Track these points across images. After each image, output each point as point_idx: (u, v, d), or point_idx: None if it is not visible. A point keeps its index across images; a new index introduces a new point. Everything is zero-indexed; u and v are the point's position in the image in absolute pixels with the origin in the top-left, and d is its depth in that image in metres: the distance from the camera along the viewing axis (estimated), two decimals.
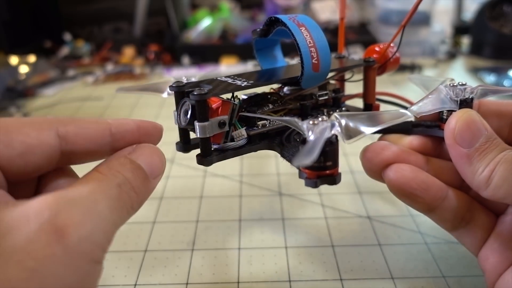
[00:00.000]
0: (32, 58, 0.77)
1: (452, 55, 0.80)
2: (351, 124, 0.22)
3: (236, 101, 0.26)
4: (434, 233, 0.34)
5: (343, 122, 0.21)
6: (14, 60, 0.75)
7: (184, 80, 0.27)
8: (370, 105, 0.31)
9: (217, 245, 0.34)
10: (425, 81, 0.30)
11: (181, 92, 0.25)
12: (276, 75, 0.29)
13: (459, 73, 0.74)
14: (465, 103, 0.26)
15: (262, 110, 0.27)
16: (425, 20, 0.79)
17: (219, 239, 0.35)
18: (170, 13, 0.88)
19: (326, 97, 0.29)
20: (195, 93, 0.23)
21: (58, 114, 0.60)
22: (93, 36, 0.89)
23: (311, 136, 0.21)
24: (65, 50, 0.84)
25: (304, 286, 0.30)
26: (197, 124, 0.24)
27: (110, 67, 0.78)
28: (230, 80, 0.26)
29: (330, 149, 0.21)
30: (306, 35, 0.25)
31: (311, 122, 0.21)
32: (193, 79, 0.28)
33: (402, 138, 0.28)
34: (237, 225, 0.36)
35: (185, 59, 0.81)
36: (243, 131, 0.26)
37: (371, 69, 0.30)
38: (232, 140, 0.26)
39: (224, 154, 0.26)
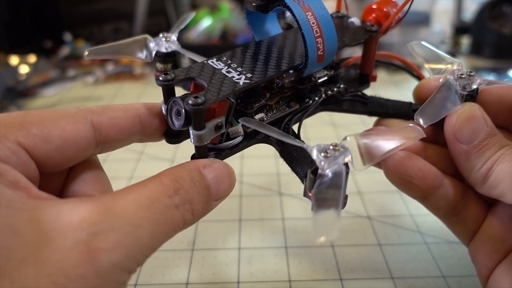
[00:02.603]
0: (32, 58, 0.77)
1: (452, 55, 0.80)
2: (363, 150, 0.20)
3: (233, 98, 0.24)
4: (434, 233, 0.34)
5: (355, 147, 0.20)
6: (14, 60, 0.75)
7: (163, 43, 0.25)
8: (367, 75, 0.30)
9: (217, 245, 0.34)
10: (427, 52, 0.28)
11: (169, 87, 0.23)
12: (272, 53, 0.26)
13: None
14: (469, 97, 0.25)
15: (259, 102, 0.25)
16: (424, 20, 0.79)
17: (219, 239, 0.35)
18: (170, 13, 0.88)
19: (326, 78, 0.28)
20: (191, 103, 0.20)
21: None
22: (93, 36, 0.89)
23: (326, 171, 0.19)
24: (65, 50, 0.84)
25: (304, 286, 0.30)
26: (192, 133, 0.22)
27: (110, 67, 0.78)
28: (224, 69, 0.24)
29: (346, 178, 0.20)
30: (313, 23, 0.23)
31: (323, 155, 0.20)
32: (173, 40, 0.27)
33: (401, 123, 0.28)
34: (237, 225, 0.36)
35: (186, 59, 0.81)
36: (239, 128, 0.25)
37: (373, 39, 0.28)
38: (228, 137, 0.25)
39: (221, 154, 0.24)
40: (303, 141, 0.21)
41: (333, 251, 0.33)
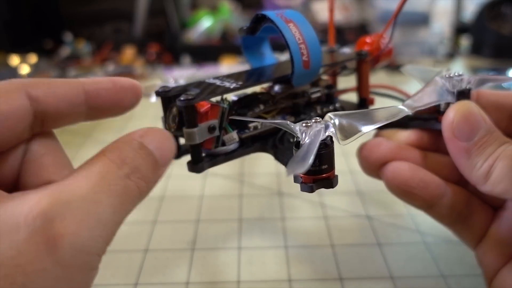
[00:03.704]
0: (33, 58, 0.77)
1: (451, 55, 0.80)
2: (345, 124, 0.21)
3: (226, 104, 0.25)
4: (433, 233, 0.34)
5: (337, 122, 0.20)
6: (15, 60, 0.75)
7: (172, 83, 0.26)
8: (364, 99, 0.30)
9: (217, 245, 0.34)
10: (421, 72, 0.29)
11: (167, 97, 0.24)
12: (266, 73, 0.28)
13: None
14: (463, 95, 0.25)
15: (253, 111, 0.26)
16: (424, 20, 0.80)
17: (219, 239, 0.35)
18: (170, 13, 0.88)
19: (319, 94, 0.29)
20: (182, 99, 0.22)
21: None
22: (93, 37, 0.89)
23: (305, 139, 0.20)
24: (65, 50, 0.84)
25: (304, 286, 0.30)
26: (184, 131, 0.23)
27: (110, 67, 0.78)
28: (218, 82, 0.25)
29: (325, 151, 0.20)
30: (295, 32, 0.24)
31: (304, 125, 0.20)
32: (181, 82, 0.27)
33: (398, 133, 0.28)
34: (237, 225, 0.36)
35: (186, 59, 0.81)
36: (234, 135, 0.25)
37: (364, 62, 0.29)
38: (224, 144, 0.25)
39: (216, 159, 0.25)
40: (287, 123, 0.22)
41: (333, 251, 0.33)
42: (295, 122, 0.27)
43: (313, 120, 0.20)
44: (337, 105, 0.30)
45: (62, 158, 0.20)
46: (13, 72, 0.70)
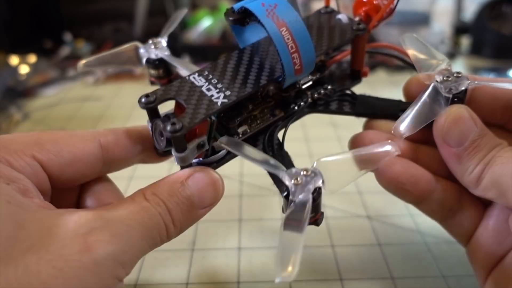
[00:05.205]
0: (32, 58, 0.77)
1: (451, 55, 0.80)
2: (333, 176, 0.21)
3: (214, 116, 0.23)
4: (433, 233, 0.34)
5: (324, 173, 0.21)
6: (14, 60, 0.75)
7: (152, 50, 0.26)
8: (358, 71, 0.29)
9: (217, 245, 0.34)
10: (419, 47, 0.27)
11: (152, 109, 0.23)
12: (254, 64, 0.25)
13: None
14: (457, 99, 0.24)
15: (242, 114, 0.25)
16: (424, 20, 0.79)
17: (219, 239, 0.35)
18: (170, 13, 0.88)
19: (311, 83, 0.28)
20: (169, 129, 0.21)
21: (58, 114, 0.60)
22: (93, 36, 0.89)
23: (295, 197, 0.20)
24: (65, 50, 0.84)
25: (304, 286, 0.30)
26: (175, 155, 0.22)
27: (110, 67, 0.78)
28: (204, 88, 0.23)
29: (314, 204, 0.21)
30: (288, 39, 0.22)
31: (293, 182, 0.21)
32: (166, 53, 0.27)
33: (390, 125, 0.28)
34: (237, 225, 0.36)
35: (185, 59, 0.81)
36: (224, 136, 0.24)
37: (361, 37, 0.27)
38: (214, 151, 0.25)
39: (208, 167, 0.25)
40: (280, 164, 0.22)
41: (333, 251, 0.33)
42: (284, 115, 0.27)
43: (303, 173, 0.21)
44: (329, 87, 0.28)
45: (114, 190, 0.26)
46: (13, 72, 0.70)
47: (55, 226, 0.18)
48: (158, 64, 0.28)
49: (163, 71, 0.29)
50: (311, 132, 0.49)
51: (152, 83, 0.30)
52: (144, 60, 0.28)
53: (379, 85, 0.62)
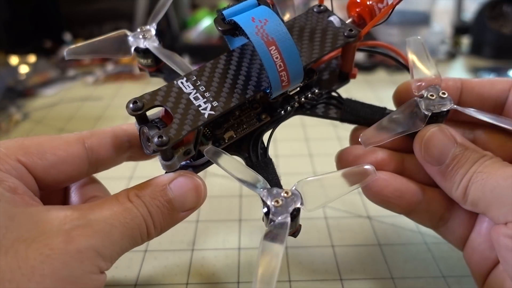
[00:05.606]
0: (32, 58, 0.77)
1: (452, 55, 0.80)
2: (312, 196, 0.22)
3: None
4: (434, 233, 0.34)
5: (304, 194, 0.22)
6: (14, 60, 0.75)
7: (140, 39, 0.26)
8: (347, 74, 0.29)
9: (217, 245, 0.34)
10: (420, 55, 0.27)
11: (140, 116, 0.23)
12: (241, 71, 0.25)
13: (459, 73, 0.74)
14: (435, 118, 0.24)
15: (228, 121, 0.26)
16: (424, 20, 0.79)
17: (219, 239, 0.35)
18: (170, 13, 0.88)
19: (298, 89, 0.27)
20: (155, 142, 0.21)
21: (58, 114, 0.60)
22: (93, 36, 0.89)
23: (276, 219, 0.21)
24: (65, 50, 0.84)
25: (304, 286, 0.30)
26: (161, 163, 0.23)
27: (110, 67, 0.78)
28: (192, 96, 0.23)
29: (293, 221, 0.22)
30: (277, 58, 0.22)
31: (274, 203, 0.21)
32: (155, 44, 0.27)
33: None
34: (237, 225, 0.36)
35: (185, 59, 0.81)
36: (209, 146, 0.25)
37: (352, 43, 0.26)
38: (200, 155, 0.25)
39: (196, 169, 0.25)
40: (261, 184, 0.22)
41: (333, 251, 0.33)
42: (271, 119, 0.27)
43: (284, 194, 0.22)
44: (316, 90, 0.28)
45: (100, 189, 0.27)
46: (13, 72, 0.70)
47: (41, 221, 0.19)
48: (147, 53, 0.28)
49: (151, 60, 0.29)
50: (311, 132, 0.49)
51: (141, 70, 0.30)
52: (132, 49, 0.28)
53: (379, 85, 0.62)
